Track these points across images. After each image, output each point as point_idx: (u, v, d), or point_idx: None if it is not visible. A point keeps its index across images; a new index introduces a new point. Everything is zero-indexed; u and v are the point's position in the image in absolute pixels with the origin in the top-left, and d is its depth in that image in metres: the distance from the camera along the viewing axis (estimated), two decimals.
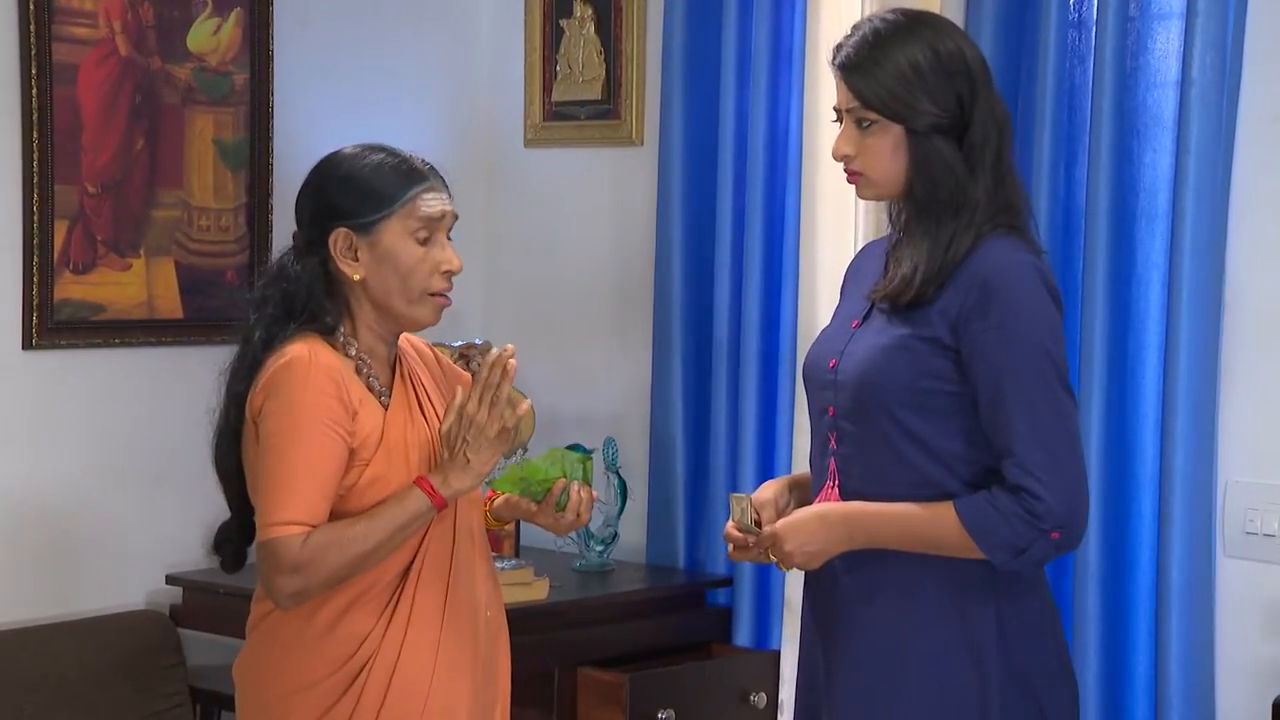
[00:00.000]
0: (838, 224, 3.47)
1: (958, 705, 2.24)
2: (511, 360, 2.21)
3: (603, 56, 3.98)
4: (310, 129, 3.92)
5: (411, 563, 2.29)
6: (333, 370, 2.23)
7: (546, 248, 4.05)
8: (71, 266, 3.58)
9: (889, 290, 2.27)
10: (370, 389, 2.29)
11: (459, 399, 2.24)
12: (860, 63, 2.26)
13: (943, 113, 2.24)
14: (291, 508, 2.18)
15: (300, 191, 2.35)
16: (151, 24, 3.68)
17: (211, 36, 3.77)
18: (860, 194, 2.33)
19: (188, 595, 3.65)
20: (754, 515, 2.32)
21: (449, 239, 2.33)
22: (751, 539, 2.31)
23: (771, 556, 2.29)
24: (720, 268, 3.68)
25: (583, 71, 4.02)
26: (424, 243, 2.29)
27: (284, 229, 3.88)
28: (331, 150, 2.37)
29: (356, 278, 2.29)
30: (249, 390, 2.27)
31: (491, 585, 2.39)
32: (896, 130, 2.25)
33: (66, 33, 3.55)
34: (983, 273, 2.22)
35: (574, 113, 4.04)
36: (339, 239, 2.29)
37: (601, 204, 4.01)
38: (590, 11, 3.99)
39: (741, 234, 3.66)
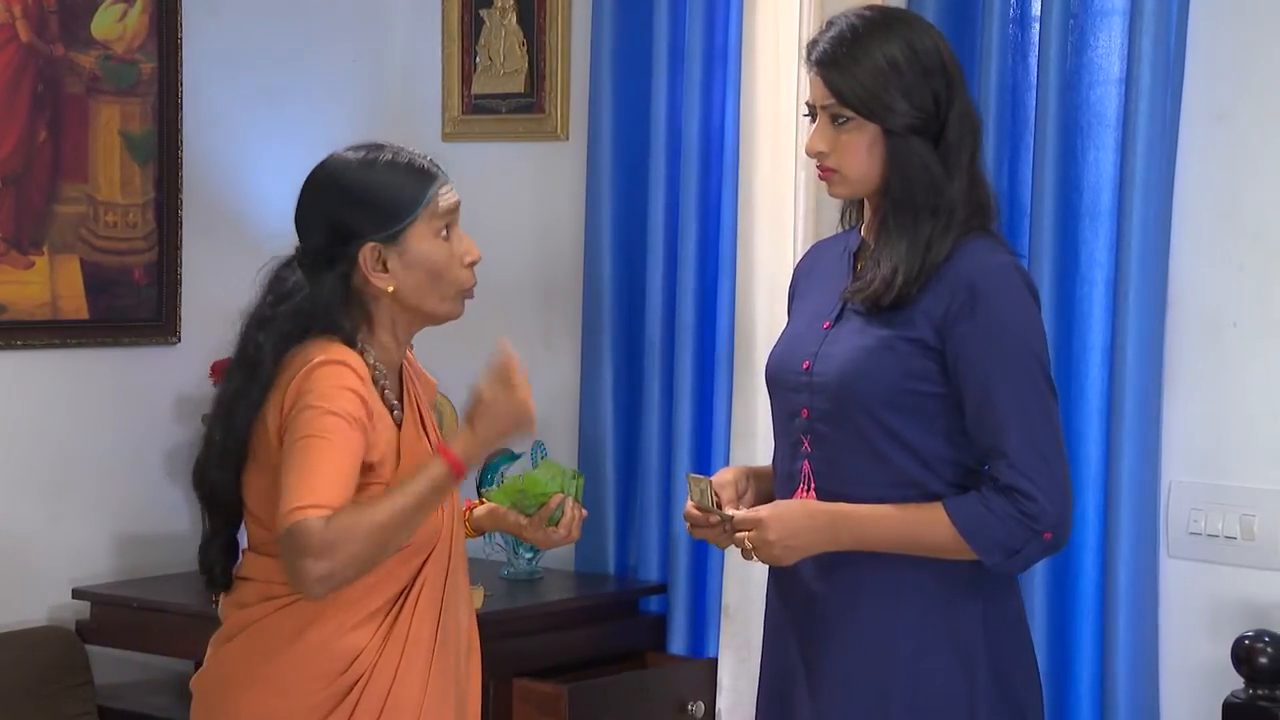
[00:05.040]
0: (776, 222, 3.42)
1: (947, 704, 2.23)
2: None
3: (525, 48, 3.89)
4: (221, 120, 3.80)
5: (412, 583, 2.24)
6: (361, 373, 2.19)
7: None
8: None
9: (870, 291, 2.24)
10: (384, 401, 2.24)
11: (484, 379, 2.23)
12: (838, 59, 2.23)
13: (919, 112, 2.23)
14: (316, 492, 2.10)
15: (308, 204, 2.26)
16: (54, 9, 3.54)
17: (117, 23, 3.62)
18: (832, 192, 2.30)
19: (96, 610, 3.52)
20: (714, 497, 2.29)
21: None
22: (714, 518, 2.27)
23: (747, 542, 2.25)
24: (652, 266, 3.61)
25: (504, 63, 3.92)
26: (446, 238, 2.26)
27: (195, 225, 3.83)
28: (325, 157, 2.29)
29: (390, 289, 2.23)
30: (265, 402, 2.19)
31: (470, 609, 2.35)
32: (872, 129, 2.23)
33: None
34: (968, 275, 2.21)
35: (495, 106, 3.94)
36: (368, 254, 2.22)
37: (524, 200, 3.92)
38: (512, 1, 3.89)
39: (675, 231, 3.59)
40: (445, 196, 2.25)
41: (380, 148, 2.26)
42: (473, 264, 2.27)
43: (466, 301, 2.29)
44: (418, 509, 2.16)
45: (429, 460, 2.18)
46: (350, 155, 2.25)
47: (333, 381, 2.14)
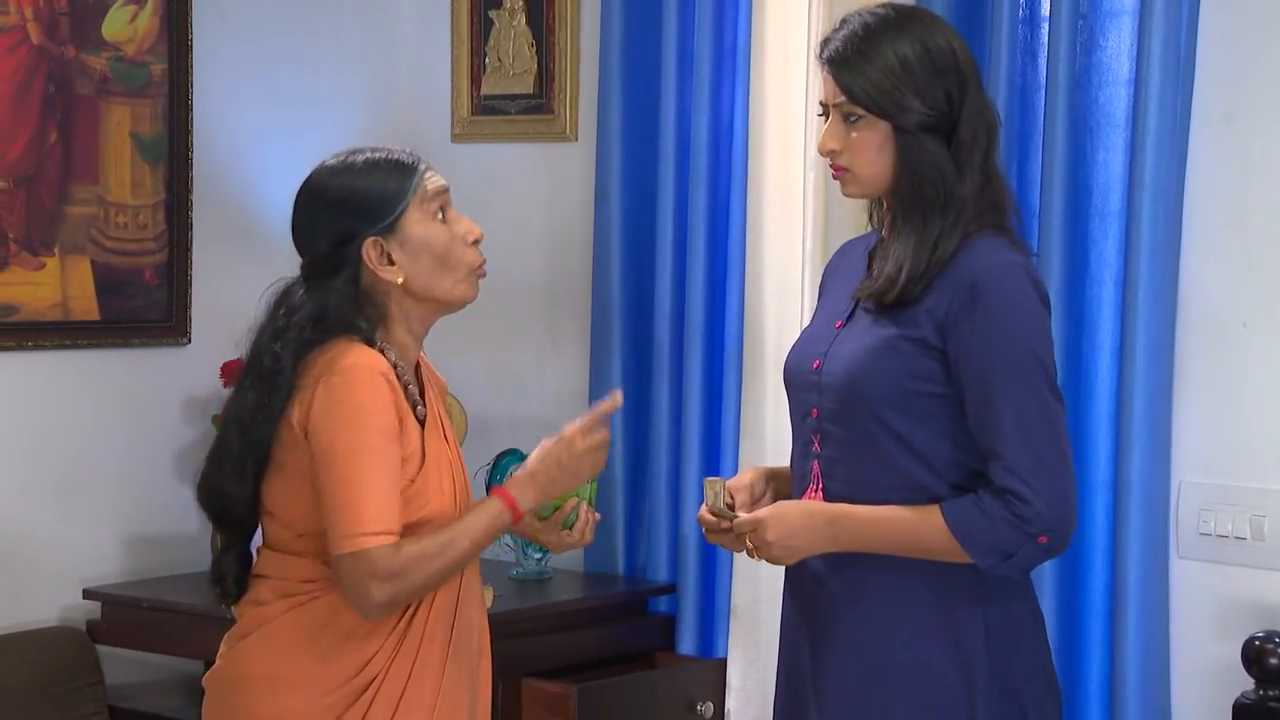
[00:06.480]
0: (785, 222, 3.42)
1: (946, 709, 2.21)
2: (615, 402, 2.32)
3: (534, 49, 3.89)
4: (231, 122, 3.81)
5: None
6: (389, 377, 2.20)
7: None
8: None
9: (875, 289, 2.24)
10: (408, 398, 2.25)
11: (575, 426, 2.29)
12: (849, 57, 2.22)
13: (931, 110, 2.22)
14: (379, 517, 2.14)
15: (301, 220, 2.28)
16: (65, 11, 3.55)
17: (128, 25, 3.63)
18: (845, 191, 2.29)
19: (106, 610, 3.52)
20: (727, 499, 2.29)
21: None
22: (725, 523, 2.28)
23: (749, 543, 2.25)
24: (661, 267, 3.62)
25: (513, 64, 3.92)
26: (443, 221, 2.27)
27: (205, 226, 3.85)
28: (311, 170, 2.31)
29: (400, 281, 2.24)
30: (287, 408, 2.18)
31: (482, 610, 2.36)
32: (884, 127, 2.22)
33: None
34: (970, 273, 2.20)
35: (504, 107, 3.95)
36: (371, 250, 2.24)
37: (533, 201, 3.92)
38: (521, 2, 3.89)
39: (684, 232, 3.59)
40: (430, 179, 2.26)
41: (356, 150, 2.28)
42: (476, 242, 2.28)
43: (470, 306, 2.30)
44: (474, 548, 2.22)
45: (489, 501, 2.22)
46: (329, 164, 2.28)
47: (367, 390, 2.15)
